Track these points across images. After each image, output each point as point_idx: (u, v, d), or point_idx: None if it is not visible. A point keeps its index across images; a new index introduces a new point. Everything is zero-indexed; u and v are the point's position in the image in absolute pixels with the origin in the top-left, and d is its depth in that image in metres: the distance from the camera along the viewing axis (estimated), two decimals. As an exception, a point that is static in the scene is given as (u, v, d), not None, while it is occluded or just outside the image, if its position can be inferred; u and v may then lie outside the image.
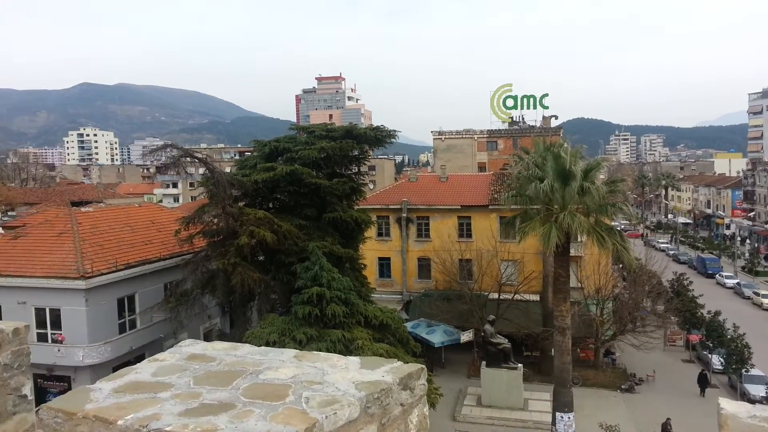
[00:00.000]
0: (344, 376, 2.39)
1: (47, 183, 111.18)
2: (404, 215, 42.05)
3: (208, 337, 34.81)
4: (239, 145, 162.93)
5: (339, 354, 2.74)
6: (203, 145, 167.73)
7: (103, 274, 28.36)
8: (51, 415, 2.02)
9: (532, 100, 69.05)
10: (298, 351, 2.81)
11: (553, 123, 68.55)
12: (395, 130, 33.23)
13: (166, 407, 2.00)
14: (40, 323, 28.63)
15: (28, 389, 3.13)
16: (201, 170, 29.40)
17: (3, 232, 38.11)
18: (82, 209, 35.20)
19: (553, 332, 27.45)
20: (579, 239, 33.96)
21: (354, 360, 2.61)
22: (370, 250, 39.74)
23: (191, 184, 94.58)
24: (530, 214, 25.11)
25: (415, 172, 64.51)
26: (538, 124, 67.75)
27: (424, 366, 2.64)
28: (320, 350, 22.87)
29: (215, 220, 26.99)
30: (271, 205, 31.38)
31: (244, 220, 26.09)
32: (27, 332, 3.16)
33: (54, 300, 28.22)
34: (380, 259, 43.18)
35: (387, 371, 2.46)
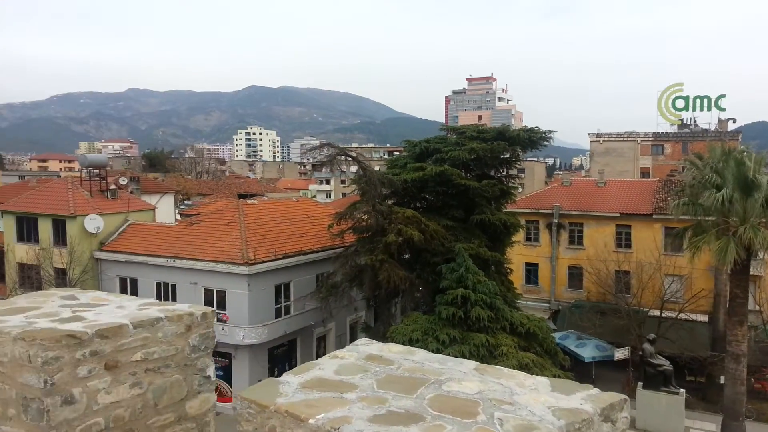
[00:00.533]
0: (536, 399, 2.15)
1: (218, 176, 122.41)
2: (555, 220, 40.27)
3: (354, 329, 36.06)
4: (388, 145, 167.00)
5: (482, 359, 2.51)
6: (354, 144, 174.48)
7: (263, 262, 30.46)
8: (244, 406, 2.04)
9: (706, 101, 62.76)
10: (476, 363, 2.61)
11: (730, 126, 61.71)
12: (550, 131, 31.89)
13: (354, 410, 1.92)
14: (208, 303, 31.43)
15: (211, 370, 3.27)
16: (353, 168, 30.50)
17: (180, 219, 42.63)
18: (248, 201, 38.15)
19: (724, 358, 24.65)
20: (760, 256, 30.16)
21: (543, 381, 2.36)
22: (518, 255, 38.56)
23: (343, 181, 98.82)
24: (704, 226, 22.70)
25: (568, 176, 61.62)
26: (713, 127, 61.40)
27: (626, 397, 2.31)
28: (463, 353, 22.64)
29: (365, 217, 27.79)
30: (419, 205, 31.67)
31: (393, 218, 26.58)
32: (213, 317, 3.30)
33: (221, 283, 30.84)
34: (527, 264, 41.76)
35: (585, 398, 2.18)
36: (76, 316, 3.02)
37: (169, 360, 3.06)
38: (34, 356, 2.60)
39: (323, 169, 29.99)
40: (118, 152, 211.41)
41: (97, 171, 37.13)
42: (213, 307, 29.85)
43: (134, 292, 33.08)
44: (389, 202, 29.13)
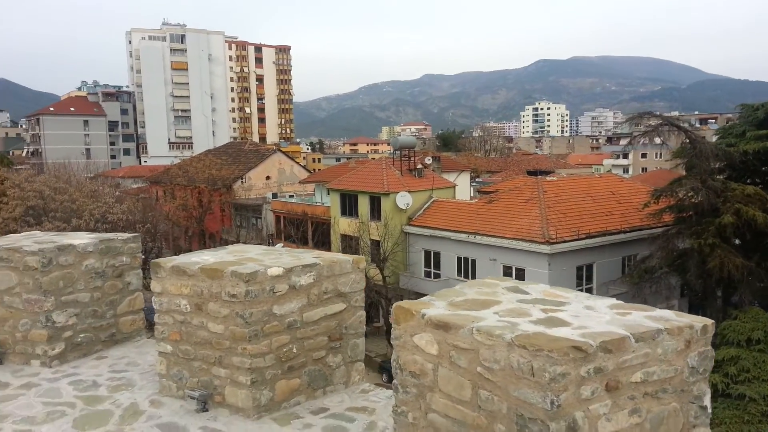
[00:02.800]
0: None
1: (505, 153, 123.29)
2: None
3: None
4: (696, 113, 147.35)
5: None
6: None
7: (565, 242, 29.15)
8: None
9: None
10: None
11: None
12: None
13: None
14: (508, 280, 31.56)
15: (708, 399, 2.52)
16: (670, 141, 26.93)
17: (478, 196, 43.68)
18: (547, 178, 37.05)
19: None
20: None
21: None
22: None
23: (643, 155, 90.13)
24: None
25: None
26: None
27: None
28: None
29: (691, 194, 24.32)
30: (758, 181, 26.56)
31: (729, 196, 22.67)
32: (713, 330, 2.53)
33: (520, 260, 30.52)
34: None
35: None
36: (553, 318, 2.55)
37: (667, 383, 2.41)
38: (539, 370, 2.18)
39: (639, 142, 26.99)
40: (414, 134, 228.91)
41: (406, 152, 40.10)
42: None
43: (437, 265, 34.99)
44: (721, 177, 25.01)
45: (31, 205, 30.41)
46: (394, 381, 2.84)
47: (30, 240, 5.05)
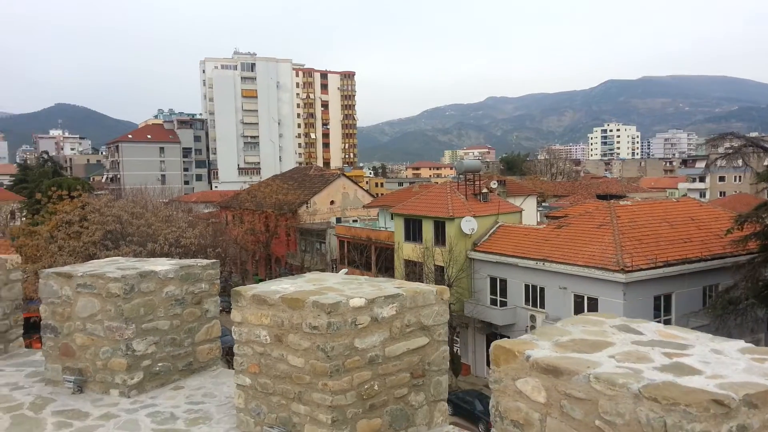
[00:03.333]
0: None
1: (573, 177, 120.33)
2: None
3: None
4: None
5: None
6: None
7: (642, 270, 27.83)
8: None
9: None
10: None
11: None
12: None
13: None
14: (578, 309, 30.28)
15: None
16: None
17: (546, 221, 42.55)
18: (620, 202, 35.67)
19: None
20: None
21: None
22: None
23: (722, 178, 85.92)
24: None
25: None
26: None
27: None
28: None
29: (780, 221, 22.77)
30: None
31: (823, 222, 21.06)
32: None
33: (592, 289, 29.32)
34: None
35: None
36: (680, 365, 2.25)
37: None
38: (674, 427, 1.89)
39: (720, 164, 25.62)
40: (477, 158, 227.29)
41: (471, 176, 39.67)
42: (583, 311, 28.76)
43: (503, 293, 34.12)
44: (813, 203, 23.32)
45: (109, 229, 31.87)
46: (492, 430, 2.59)
47: (113, 266, 5.12)
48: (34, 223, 37.86)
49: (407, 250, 40.16)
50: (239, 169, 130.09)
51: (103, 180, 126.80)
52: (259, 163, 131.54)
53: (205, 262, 5.35)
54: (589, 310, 29.78)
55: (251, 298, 3.94)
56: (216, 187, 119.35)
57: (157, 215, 35.68)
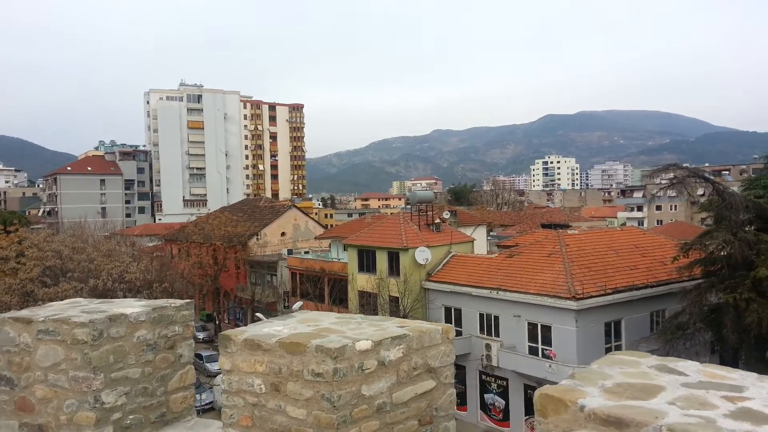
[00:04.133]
0: None
1: (518, 207, 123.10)
2: None
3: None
4: (707, 164, 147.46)
5: None
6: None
7: (592, 297, 28.39)
8: None
9: None
10: None
11: None
12: None
13: None
14: (532, 337, 30.57)
15: None
16: (700, 191, 26.58)
17: (498, 250, 43.08)
18: (568, 231, 36.53)
19: None
20: None
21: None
22: None
23: (673, 207, 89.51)
24: None
25: None
26: None
27: None
28: None
29: (722, 247, 23.72)
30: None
31: (762, 248, 22.05)
32: None
33: (546, 317, 29.67)
34: None
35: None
36: (748, 411, 2.09)
37: None
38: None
39: (665, 193, 26.58)
40: (425, 188, 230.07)
41: (423, 206, 39.88)
42: (537, 342, 28.86)
43: (458, 322, 34.11)
44: (751, 229, 24.44)
45: (49, 265, 30.25)
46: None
47: (76, 309, 4.64)
48: (-36, 259, 35.41)
49: (361, 281, 39.77)
50: (184, 200, 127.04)
51: (40, 213, 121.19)
52: (205, 194, 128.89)
53: (178, 302, 4.94)
54: (543, 338, 30.07)
55: (243, 343, 3.60)
56: (160, 219, 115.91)
57: (99, 249, 34.16)
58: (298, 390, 3.36)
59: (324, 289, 43.78)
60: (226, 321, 55.97)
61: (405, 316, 33.93)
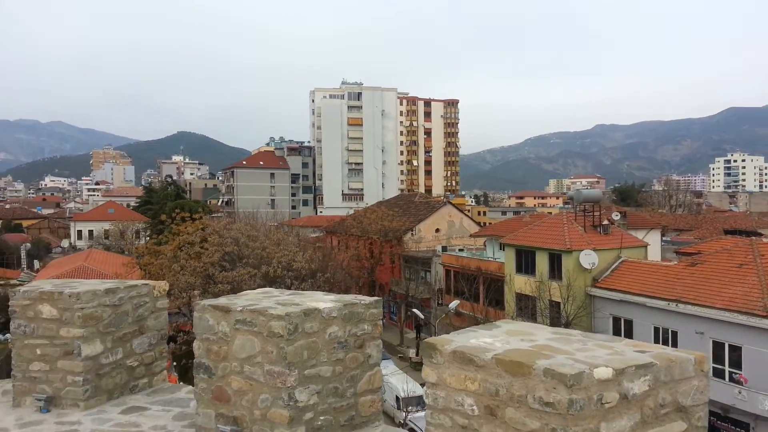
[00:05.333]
0: None
1: (694, 210, 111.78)
2: None
3: None
4: None
5: None
6: None
7: (796, 317, 24.56)
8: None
9: None
10: None
11: None
12: None
13: None
14: (717, 358, 27.21)
15: None
16: None
17: (677, 257, 39.13)
18: (764, 240, 32.08)
19: None
20: None
21: None
22: None
23: None
24: None
25: None
26: None
27: None
28: None
29: None
30: None
31: None
32: None
33: (735, 336, 26.31)
34: None
35: None
36: None
37: None
38: None
39: None
40: (587, 187, 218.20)
41: (589, 206, 37.41)
42: (724, 364, 25.61)
43: (628, 334, 31.43)
44: None
45: (227, 251, 32.84)
46: None
47: (271, 300, 4.55)
48: (158, 242, 39.83)
49: (519, 283, 38.38)
50: (343, 194, 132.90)
51: (219, 203, 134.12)
52: (362, 189, 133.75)
53: (367, 299, 4.67)
54: (730, 360, 26.64)
55: (451, 355, 3.16)
56: (321, 212, 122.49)
57: (270, 238, 36.41)
58: (520, 419, 2.83)
59: (479, 288, 42.94)
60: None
61: (568, 324, 32.03)
